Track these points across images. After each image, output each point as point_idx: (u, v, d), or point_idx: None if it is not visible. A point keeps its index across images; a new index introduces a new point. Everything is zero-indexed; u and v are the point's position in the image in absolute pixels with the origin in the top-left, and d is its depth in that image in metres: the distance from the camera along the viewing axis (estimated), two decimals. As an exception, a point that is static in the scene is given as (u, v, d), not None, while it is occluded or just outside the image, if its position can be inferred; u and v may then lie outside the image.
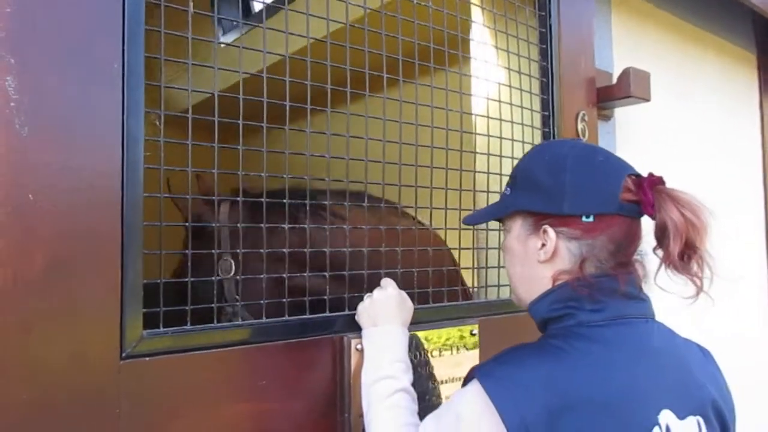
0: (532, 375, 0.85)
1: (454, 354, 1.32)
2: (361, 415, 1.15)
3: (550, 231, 0.94)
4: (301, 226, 1.22)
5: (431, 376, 1.27)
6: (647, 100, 1.80)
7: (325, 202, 1.23)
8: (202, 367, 1.01)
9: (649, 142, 2.03)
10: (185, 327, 1.01)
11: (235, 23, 1.15)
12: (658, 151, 2.07)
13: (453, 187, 1.39)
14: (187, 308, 1.02)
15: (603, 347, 0.88)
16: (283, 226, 1.16)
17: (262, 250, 1.13)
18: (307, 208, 1.20)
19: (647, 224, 0.93)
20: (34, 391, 0.85)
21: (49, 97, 0.89)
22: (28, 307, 0.85)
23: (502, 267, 1.47)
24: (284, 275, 1.14)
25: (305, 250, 1.18)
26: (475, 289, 1.57)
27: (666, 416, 0.85)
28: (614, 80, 1.86)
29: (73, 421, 0.88)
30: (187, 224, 1.07)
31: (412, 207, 1.39)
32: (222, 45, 2.50)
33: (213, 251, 1.35)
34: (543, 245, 0.95)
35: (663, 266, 0.91)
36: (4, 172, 0.85)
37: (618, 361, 0.87)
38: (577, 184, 0.93)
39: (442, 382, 1.30)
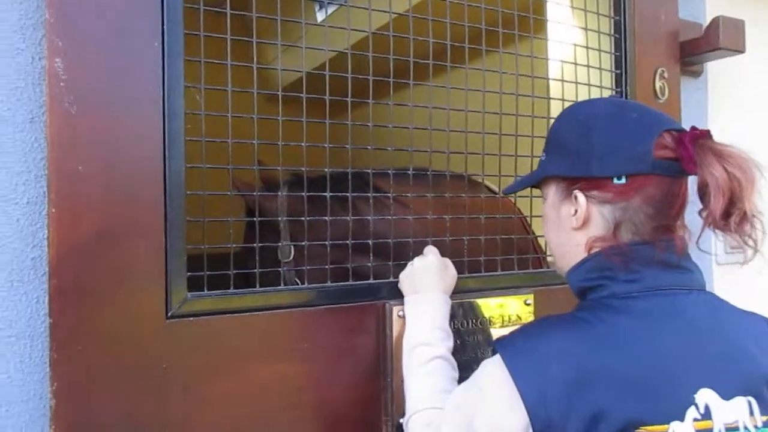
0: (552, 347, 0.82)
1: (507, 324, 1.30)
2: (403, 381, 1.16)
3: (580, 196, 0.89)
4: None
5: (479, 345, 1.25)
6: (740, 51, 1.62)
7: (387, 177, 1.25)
8: (244, 328, 1.06)
9: (748, 98, 1.83)
10: (227, 290, 1.06)
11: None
12: (760, 108, 1.86)
13: (525, 154, 1.35)
14: (230, 272, 1.07)
15: (631, 319, 0.82)
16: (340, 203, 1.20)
17: (308, 220, 1.16)
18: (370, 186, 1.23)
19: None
20: (90, 346, 0.94)
21: (94, 75, 0.96)
22: (80, 269, 0.94)
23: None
24: (326, 243, 1.16)
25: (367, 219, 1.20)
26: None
27: (705, 395, 0.79)
28: (704, 31, 1.69)
29: (124, 374, 0.97)
30: (229, 193, 1.11)
31: (479, 175, 1.37)
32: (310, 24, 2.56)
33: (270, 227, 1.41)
34: (575, 211, 0.91)
35: (707, 226, 0.83)
36: (58, 147, 0.93)
37: (649, 335, 0.81)
38: (605, 144, 0.87)
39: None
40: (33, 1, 0.99)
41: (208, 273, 1.05)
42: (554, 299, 1.35)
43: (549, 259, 1.42)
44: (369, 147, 1.20)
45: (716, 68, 1.77)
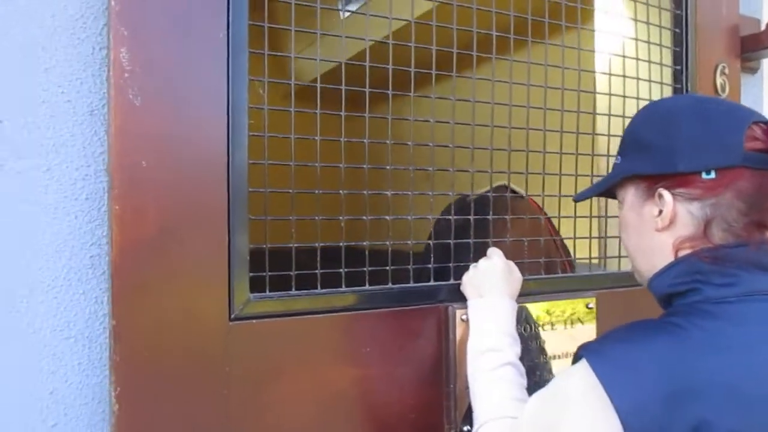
0: (647, 355, 0.76)
1: (568, 328, 1.25)
2: (467, 387, 1.12)
3: (666, 194, 0.84)
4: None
5: (542, 350, 1.21)
6: (803, 48, 1.57)
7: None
8: (306, 330, 1.02)
9: (807, 97, 1.78)
10: (290, 292, 1.02)
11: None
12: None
13: (569, 151, 1.29)
14: (291, 273, 1.03)
15: (730, 325, 0.77)
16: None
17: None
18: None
19: None
20: (152, 349, 0.90)
21: (159, 67, 0.92)
22: (143, 268, 0.90)
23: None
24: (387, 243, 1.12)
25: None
26: (594, 261, 1.47)
27: None
28: (762, 27, 1.63)
29: (187, 378, 0.93)
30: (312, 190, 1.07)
31: (522, 173, 1.32)
32: (347, 14, 2.53)
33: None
34: (660, 211, 0.86)
35: None
36: (121, 140, 0.89)
37: (747, 342, 0.76)
38: (691, 138, 0.82)
39: (554, 357, 1.23)
40: (94, -11, 0.96)
41: (270, 273, 1.01)
42: (617, 302, 1.30)
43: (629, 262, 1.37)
44: (410, 143, 1.15)
45: (773, 65, 1.72)
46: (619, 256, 1.39)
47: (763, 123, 0.83)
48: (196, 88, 0.94)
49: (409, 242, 1.15)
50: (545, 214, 1.46)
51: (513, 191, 1.50)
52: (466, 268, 1.15)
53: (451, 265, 1.18)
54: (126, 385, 0.89)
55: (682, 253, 0.85)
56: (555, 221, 1.57)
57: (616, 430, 0.74)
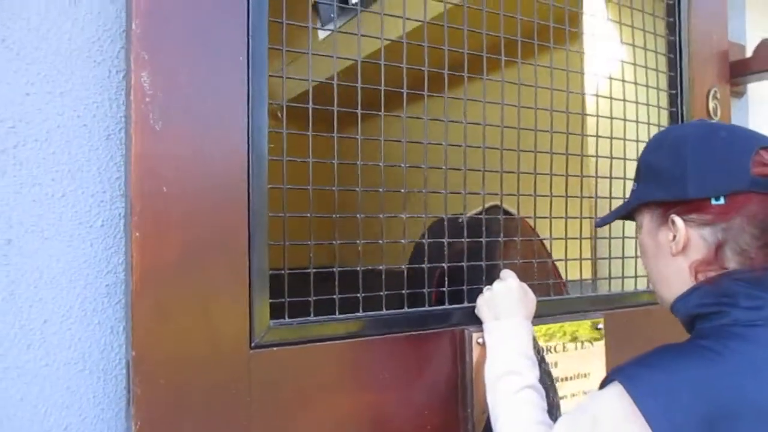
0: (683, 379, 0.77)
1: (578, 350, 1.25)
2: (484, 412, 1.11)
3: (678, 220, 0.86)
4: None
5: (548, 373, 1.21)
6: (788, 73, 1.63)
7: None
8: (326, 357, 1.01)
9: (788, 120, 1.85)
10: (308, 318, 1.01)
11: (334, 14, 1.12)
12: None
13: (560, 172, 1.30)
14: (310, 299, 1.01)
15: (761, 348, 0.78)
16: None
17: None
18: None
19: None
20: (173, 378, 0.88)
21: (180, 91, 0.90)
22: (164, 296, 0.88)
23: (627, 257, 1.40)
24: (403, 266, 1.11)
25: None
26: (591, 282, 1.48)
27: None
28: (748, 53, 1.70)
29: (208, 409, 0.90)
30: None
31: (513, 194, 1.32)
32: (326, 33, 2.52)
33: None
34: (674, 237, 0.87)
35: None
36: (141, 165, 0.87)
37: None
38: (699, 164, 0.84)
39: (565, 379, 1.23)
40: (111, 12, 0.94)
41: (289, 300, 0.99)
42: (625, 323, 1.31)
43: (632, 282, 1.38)
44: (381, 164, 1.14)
45: (757, 90, 1.78)
46: (623, 277, 1.41)
47: None
48: (216, 113, 0.93)
49: (424, 266, 1.14)
50: (538, 235, 1.47)
51: (506, 212, 1.51)
52: (479, 291, 1.15)
53: (464, 287, 1.18)
54: (146, 419, 0.86)
55: (702, 276, 0.86)
56: (547, 242, 1.58)
57: None
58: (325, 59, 1.04)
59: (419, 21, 1.15)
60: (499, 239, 1.24)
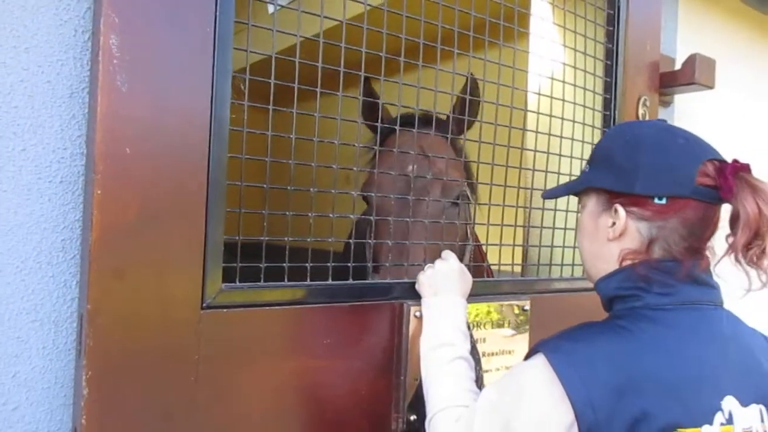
0: (599, 353, 0.87)
1: (505, 328, 1.36)
2: (416, 379, 1.20)
3: (621, 210, 0.95)
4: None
5: (475, 348, 1.30)
6: (711, 87, 1.78)
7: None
8: (272, 321, 1.06)
9: (710, 131, 2.00)
10: (259, 283, 1.06)
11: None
12: (719, 142, 2.04)
13: (500, 162, 1.39)
14: (261, 265, 1.06)
15: (670, 330, 0.89)
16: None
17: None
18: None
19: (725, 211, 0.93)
20: (126, 332, 0.91)
21: (148, 56, 0.93)
22: (121, 254, 0.91)
23: (556, 246, 1.52)
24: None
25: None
26: (516, 268, 1.58)
27: (729, 402, 0.86)
28: (677, 66, 1.84)
29: (158, 364, 0.94)
30: (263, 185, 1.10)
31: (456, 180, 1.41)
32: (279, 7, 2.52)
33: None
34: (613, 223, 0.96)
35: (728, 254, 0.91)
36: (106, 125, 0.90)
37: (684, 345, 0.88)
38: (651, 165, 0.93)
39: (492, 354, 1.33)
40: (80, -28, 0.95)
41: (241, 264, 1.04)
42: (549, 306, 1.43)
43: (558, 269, 1.49)
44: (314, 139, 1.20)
45: (683, 100, 1.93)
46: (550, 264, 1.52)
47: (716, 161, 0.94)
48: (182, 80, 0.96)
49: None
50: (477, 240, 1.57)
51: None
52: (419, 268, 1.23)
53: (406, 264, 1.25)
54: (97, 369, 0.89)
55: (626, 263, 0.96)
56: (482, 229, 1.68)
57: (569, 420, 0.83)
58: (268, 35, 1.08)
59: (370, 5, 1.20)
60: (440, 221, 1.32)
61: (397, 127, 1.33)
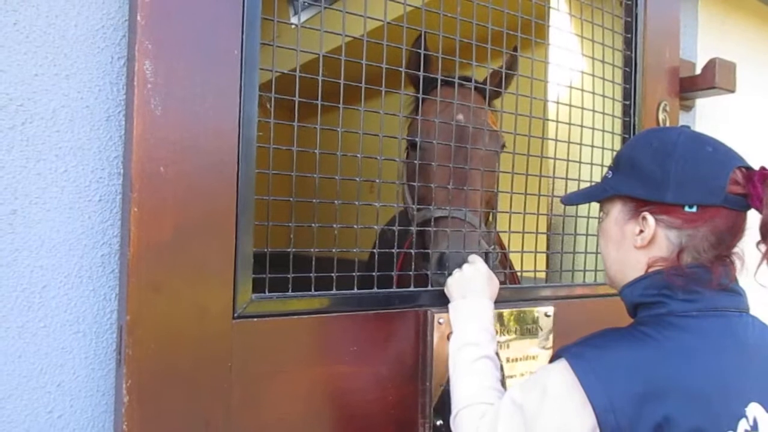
0: (621, 359, 0.87)
1: (530, 333, 1.38)
2: (441, 385, 1.22)
3: (650, 218, 0.94)
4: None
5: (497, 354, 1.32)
6: (732, 91, 1.78)
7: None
8: (301, 329, 1.10)
9: (732, 135, 2.00)
10: (287, 293, 1.10)
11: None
12: (742, 145, 2.03)
13: (521, 171, 1.41)
14: (289, 276, 1.11)
15: (694, 337, 0.89)
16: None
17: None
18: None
19: (752, 217, 0.93)
20: (163, 342, 0.96)
21: (179, 79, 0.98)
22: (158, 268, 0.96)
23: (579, 252, 1.53)
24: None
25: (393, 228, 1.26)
26: (539, 275, 1.60)
27: (754, 409, 0.87)
28: (697, 70, 1.84)
29: (193, 372, 0.99)
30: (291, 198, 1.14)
31: (477, 189, 1.43)
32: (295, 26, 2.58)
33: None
34: (641, 231, 0.96)
35: (764, 262, 0.90)
36: (142, 147, 0.95)
37: (708, 352, 0.88)
38: (682, 173, 0.93)
39: (515, 360, 1.36)
40: (115, 3, 1.01)
41: (270, 276, 1.08)
42: (572, 312, 1.44)
43: (581, 275, 1.50)
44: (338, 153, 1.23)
45: (704, 105, 1.93)
46: (573, 270, 1.54)
47: (744, 168, 0.94)
48: (212, 102, 1.01)
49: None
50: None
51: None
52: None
53: (429, 272, 1.28)
54: (136, 378, 0.94)
55: (652, 270, 0.96)
56: (504, 236, 1.70)
57: (590, 425, 0.85)
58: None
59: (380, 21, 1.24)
60: (462, 230, 1.35)
61: (439, 76, 1.33)
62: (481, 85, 1.47)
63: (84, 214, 0.99)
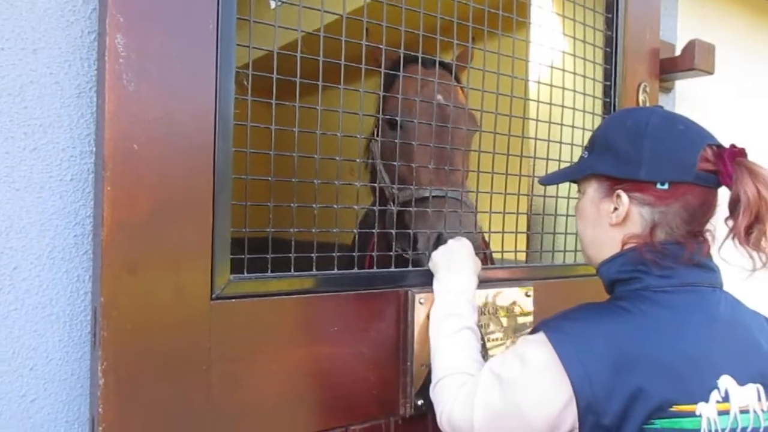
0: (598, 332, 0.90)
1: (510, 312, 1.38)
2: (423, 365, 1.22)
3: (624, 195, 0.97)
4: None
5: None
6: (710, 73, 1.78)
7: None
8: (280, 310, 1.09)
9: (711, 117, 2.02)
10: (266, 274, 1.08)
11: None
12: (720, 128, 2.05)
13: (502, 151, 1.40)
14: (267, 256, 1.09)
15: (668, 311, 0.91)
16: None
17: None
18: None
19: (723, 195, 0.95)
20: (139, 324, 0.94)
21: (153, 54, 0.95)
22: (132, 248, 0.94)
23: (559, 233, 1.54)
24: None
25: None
26: (520, 255, 1.59)
27: (726, 381, 0.89)
28: (677, 52, 1.85)
29: (170, 353, 0.97)
30: (270, 178, 1.12)
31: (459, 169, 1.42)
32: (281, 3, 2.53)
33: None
34: (615, 209, 0.98)
35: (729, 237, 0.93)
36: (114, 124, 0.92)
37: (682, 326, 0.90)
38: (654, 151, 0.95)
39: (495, 340, 1.36)
40: (85, -26, 0.97)
41: (249, 256, 1.06)
42: (552, 291, 1.45)
43: (561, 255, 1.51)
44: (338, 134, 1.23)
45: (684, 86, 1.94)
46: (553, 251, 1.54)
47: (715, 145, 0.96)
48: (187, 77, 0.98)
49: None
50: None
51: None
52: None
53: (392, 253, 1.28)
54: (112, 360, 0.92)
55: (628, 247, 0.98)
56: (485, 217, 1.69)
57: (566, 396, 0.87)
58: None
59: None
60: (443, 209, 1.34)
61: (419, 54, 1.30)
62: (455, 63, 1.45)
63: (55, 193, 0.96)
